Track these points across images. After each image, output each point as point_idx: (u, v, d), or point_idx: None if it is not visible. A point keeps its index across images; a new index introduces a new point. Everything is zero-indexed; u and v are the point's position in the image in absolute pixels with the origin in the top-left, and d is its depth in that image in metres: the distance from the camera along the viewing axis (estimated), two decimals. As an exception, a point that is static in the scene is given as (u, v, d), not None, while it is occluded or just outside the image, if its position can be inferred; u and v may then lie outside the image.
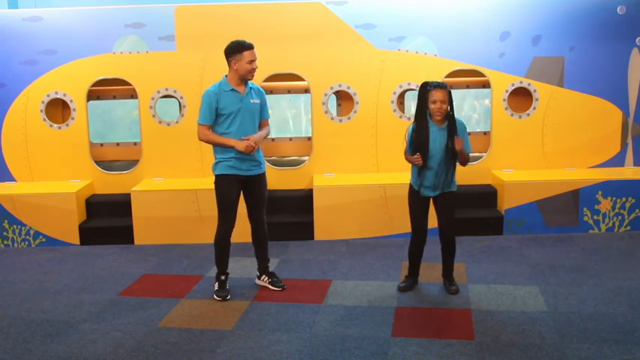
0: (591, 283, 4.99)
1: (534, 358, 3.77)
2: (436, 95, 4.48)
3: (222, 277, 4.93)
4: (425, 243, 4.88)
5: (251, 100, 4.77)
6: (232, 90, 4.71)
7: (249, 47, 4.66)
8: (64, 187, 6.64)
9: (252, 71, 4.68)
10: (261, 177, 4.91)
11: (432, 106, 4.52)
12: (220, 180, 4.79)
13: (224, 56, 4.72)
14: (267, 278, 5.10)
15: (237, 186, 4.80)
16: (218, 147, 4.78)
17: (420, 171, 4.66)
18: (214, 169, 4.81)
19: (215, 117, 4.71)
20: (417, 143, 4.60)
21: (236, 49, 4.65)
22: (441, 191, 4.69)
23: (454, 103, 4.64)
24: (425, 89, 4.55)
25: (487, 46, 6.75)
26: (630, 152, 6.97)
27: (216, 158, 4.81)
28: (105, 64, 6.77)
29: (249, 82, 4.82)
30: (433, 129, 4.58)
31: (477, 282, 5.08)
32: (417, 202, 4.77)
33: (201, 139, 4.79)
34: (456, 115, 4.66)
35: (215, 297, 4.87)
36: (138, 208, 6.41)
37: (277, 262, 5.74)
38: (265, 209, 5.01)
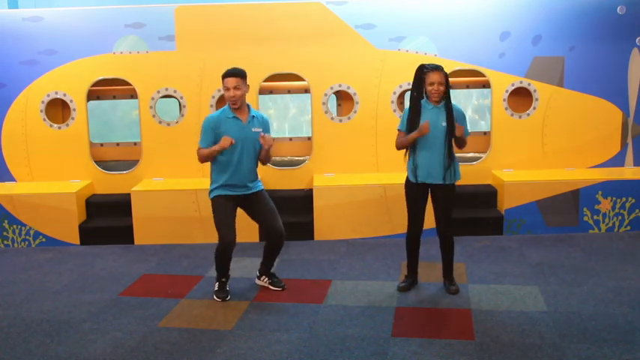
0: (591, 283, 4.99)
1: (534, 358, 3.77)
2: (433, 77, 4.52)
3: (223, 280, 4.93)
4: (420, 238, 4.88)
5: (252, 129, 4.73)
6: (234, 117, 4.70)
7: (225, 75, 4.64)
8: (64, 187, 6.64)
9: (230, 98, 4.64)
10: (261, 193, 4.90)
11: (429, 88, 4.56)
12: (217, 201, 4.78)
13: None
14: (267, 279, 5.10)
15: (232, 202, 4.79)
16: (213, 173, 4.78)
17: (417, 152, 4.65)
18: (210, 194, 4.81)
19: (214, 142, 4.67)
20: (413, 121, 4.62)
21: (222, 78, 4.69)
22: (441, 180, 4.66)
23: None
24: (421, 72, 4.59)
25: (487, 46, 6.75)
26: (630, 152, 6.97)
27: (210, 186, 4.81)
28: (105, 64, 6.77)
29: (253, 109, 4.79)
30: (429, 107, 4.62)
31: (477, 282, 5.08)
32: (414, 194, 4.77)
33: (199, 161, 4.81)
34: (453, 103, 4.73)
35: (215, 298, 4.88)
36: (138, 208, 6.41)
37: (277, 262, 5.73)
38: (280, 220, 4.91)
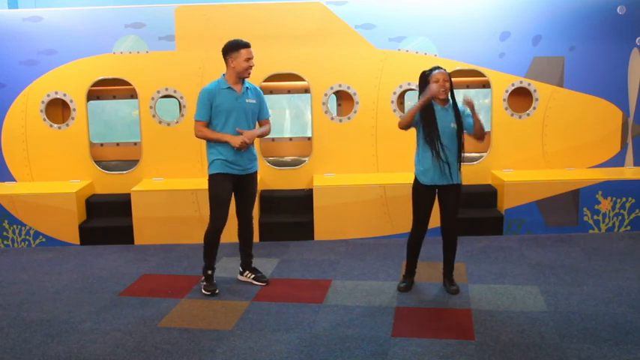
0: (591, 283, 4.99)
1: (534, 358, 3.77)
2: (438, 75, 4.60)
3: (210, 272, 4.98)
4: (422, 240, 4.88)
5: (247, 100, 4.80)
6: (229, 88, 4.75)
7: (247, 45, 4.73)
8: (64, 187, 6.64)
9: (248, 69, 4.73)
10: (254, 175, 4.96)
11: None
12: (216, 178, 4.80)
13: (222, 55, 4.79)
14: (250, 274, 5.13)
15: (231, 184, 4.84)
16: (212, 145, 4.80)
17: (429, 155, 4.64)
18: (210, 168, 4.83)
19: (210, 114, 4.75)
20: (429, 120, 4.62)
21: (234, 48, 4.71)
22: (448, 181, 4.68)
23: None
24: (425, 75, 4.65)
25: (487, 46, 6.75)
26: (630, 152, 6.97)
27: (210, 157, 4.83)
28: (105, 64, 6.77)
29: (247, 82, 4.85)
30: (437, 108, 4.64)
31: (477, 282, 5.08)
32: (424, 197, 4.76)
33: (197, 136, 4.84)
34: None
35: (204, 291, 4.92)
36: (138, 208, 6.41)
37: (277, 262, 5.74)
38: (253, 208, 5.06)
